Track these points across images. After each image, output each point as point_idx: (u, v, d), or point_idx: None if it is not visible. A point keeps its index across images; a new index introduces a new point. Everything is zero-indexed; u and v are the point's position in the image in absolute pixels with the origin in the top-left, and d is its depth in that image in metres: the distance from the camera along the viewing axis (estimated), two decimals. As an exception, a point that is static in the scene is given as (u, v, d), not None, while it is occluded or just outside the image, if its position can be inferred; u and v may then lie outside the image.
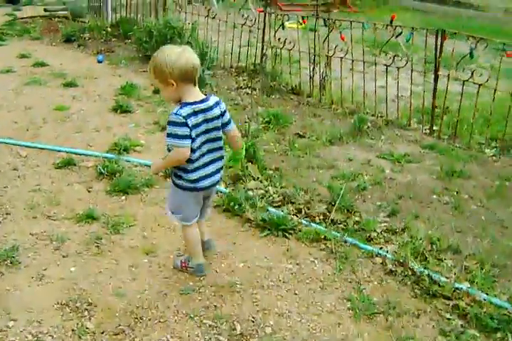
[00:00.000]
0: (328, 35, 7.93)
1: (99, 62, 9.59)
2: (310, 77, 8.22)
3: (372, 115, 7.52)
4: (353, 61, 7.70)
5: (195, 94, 3.68)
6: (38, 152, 6.08)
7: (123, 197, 5.21)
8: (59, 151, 6.09)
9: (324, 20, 7.95)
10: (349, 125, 7.19)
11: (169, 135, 3.61)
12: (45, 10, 13.99)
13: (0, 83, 8.30)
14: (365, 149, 6.58)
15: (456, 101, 7.17)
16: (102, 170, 5.53)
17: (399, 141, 6.86)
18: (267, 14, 8.70)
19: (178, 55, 3.53)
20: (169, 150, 3.75)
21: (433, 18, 15.85)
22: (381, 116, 7.50)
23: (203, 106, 3.66)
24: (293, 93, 8.40)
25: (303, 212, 5.10)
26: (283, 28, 8.41)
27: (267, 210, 5.05)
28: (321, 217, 5.04)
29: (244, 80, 8.77)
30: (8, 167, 5.71)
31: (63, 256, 4.35)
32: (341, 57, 7.79)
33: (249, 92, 8.25)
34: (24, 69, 9.05)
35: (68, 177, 5.55)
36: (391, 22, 7.25)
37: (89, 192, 5.31)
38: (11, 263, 4.22)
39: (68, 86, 8.25)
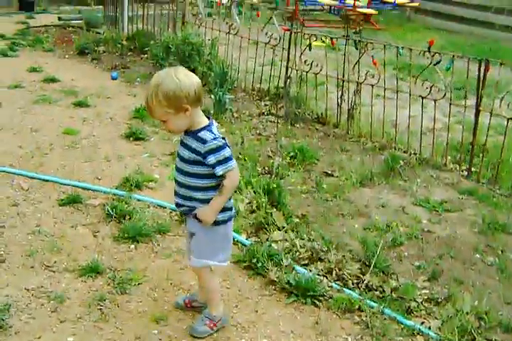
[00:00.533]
0: (359, 60, 7.31)
1: (114, 79, 9.04)
2: (338, 105, 7.62)
3: (405, 152, 6.94)
4: (385, 89, 7.09)
5: (204, 119, 3.41)
6: (41, 184, 5.54)
7: (132, 246, 4.67)
8: (65, 185, 5.47)
9: (355, 42, 7.34)
10: (380, 162, 6.62)
11: (221, 162, 3.32)
12: (60, 19, 13.47)
13: (8, 100, 7.74)
14: (399, 193, 5.99)
15: (494, 137, 6.62)
16: (111, 211, 4.97)
17: (434, 184, 6.28)
18: (292, 33, 8.07)
19: (187, 76, 3.27)
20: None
21: (458, 38, 15.25)
22: (414, 154, 6.91)
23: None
24: (318, 122, 7.82)
25: (334, 273, 4.51)
26: (310, 49, 7.81)
27: (294, 268, 4.47)
28: (355, 280, 4.48)
29: (266, 105, 8.21)
30: (7, 202, 5.17)
31: (61, 321, 3.81)
32: (372, 85, 7.18)
33: (272, 120, 7.66)
34: (34, 85, 8.51)
35: (73, 218, 5.01)
36: (429, 48, 6.65)
37: (94, 237, 4.77)
38: (-1, 327, 3.63)
39: (79, 106, 7.70)
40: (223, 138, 3.34)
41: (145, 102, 3.32)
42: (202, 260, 3.63)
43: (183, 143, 3.42)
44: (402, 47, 7.02)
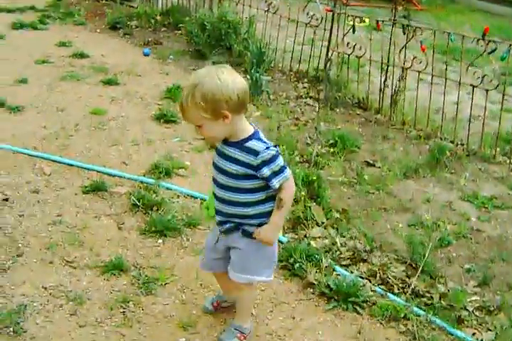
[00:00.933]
0: (406, 44, 6.85)
1: (146, 55, 8.65)
2: (380, 90, 7.18)
3: (451, 142, 6.48)
4: (432, 76, 6.63)
5: (248, 126, 3.01)
6: (64, 169, 5.21)
7: (159, 241, 4.32)
8: (89, 170, 5.12)
9: (403, 26, 6.87)
10: (425, 153, 6.20)
11: (276, 173, 2.96)
12: (93, -9, 12.98)
13: (34, 76, 7.38)
14: (445, 187, 5.57)
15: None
16: (137, 202, 4.61)
17: (483, 178, 5.84)
18: (335, 14, 7.62)
19: (231, 77, 2.86)
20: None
21: (503, 21, 14.60)
22: (461, 144, 6.46)
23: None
24: (359, 107, 7.39)
25: (377, 276, 4.11)
26: (353, 32, 7.35)
27: (334, 270, 4.09)
28: (400, 285, 4.08)
29: (304, 88, 7.79)
30: (27, 188, 4.84)
31: (80, 326, 3.49)
32: (419, 71, 6.73)
33: (311, 104, 7.24)
34: (62, 60, 8.13)
35: (96, 207, 4.66)
36: (483, 36, 6.17)
37: (119, 229, 4.42)
38: (13, 332, 3.37)
39: (108, 83, 7.33)
40: (275, 146, 2.97)
41: (179, 103, 2.93)
42: (246, 276, 3.25)
43: (224, 155, 3.03)
44: (454, 33, 6.51)
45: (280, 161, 2.94)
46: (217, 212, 3.16)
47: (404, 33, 6.91)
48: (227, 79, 2.81)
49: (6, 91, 6.75)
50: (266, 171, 2.90)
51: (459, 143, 6.50)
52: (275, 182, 2.94)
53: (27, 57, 8.08)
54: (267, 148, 2.90)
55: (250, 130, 2.97)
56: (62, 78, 7.39)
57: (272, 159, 2.91)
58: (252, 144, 2.92)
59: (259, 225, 3.10)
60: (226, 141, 2.98)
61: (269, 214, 3.07)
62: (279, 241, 4.33)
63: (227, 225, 3.14)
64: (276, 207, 3.04)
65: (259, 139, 2.94)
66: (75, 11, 10.78)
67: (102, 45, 9.12)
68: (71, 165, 5.24)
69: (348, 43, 7.42)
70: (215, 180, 3.10)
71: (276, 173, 2.93)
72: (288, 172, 2.98)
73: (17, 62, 7.88)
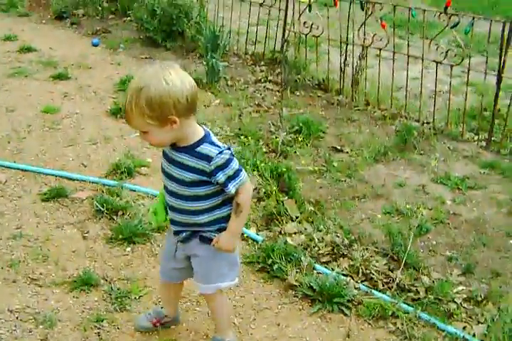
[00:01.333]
0: (365, 21, 6.64)
1: (95, 45, 8.31)
2: (341, 70, 6.98)
3: (417, 121, 6.31)
4: (394, 53, 6.44)
5: (198, 129, 2.74)
6: (20, 175, 4.91)
7: (128, 249, 4.10)
8: (46, 175, 4.85)
9: (361, 2, 6.64)
10: (391, 134, 6.06)
11: (231, 177, 2.73)
12: (33, -22, 12.50)
13: (-21, 74, 6.97)
14: (416, 169, 5.44)
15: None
16: (100, 207, 4.36)
17: (453, 158, 5.72)
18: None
19: (179, 77, 2.56)
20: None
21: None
22: (427, 123, 6.30)
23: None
24: (320, 89, 7.17)
25: (360, 272, 3.93)
26: (309, 10, 7.11)
27: (314, 268, 3.89)
28: (384, 280, 3.90)
29: (262, 71, 7.56)
30: (-18, 198, 4.52)
31: (52, 352, 3.19)
32: (380, 49, 6.54)
33: (271, 88, 7.02)
34: (8, 56, 7.73)
35: (58, 215, 4.41)
36: (445, 9, 5.99)
37: (84, 238, 4.18)
38: (-21, 364, 3.05)
39: (59, 78, 6.99)
40: (228, 148, 2.73)
41: (124, 107, 2.63)
42: (212, 285, 3.05)
43: (173, 161, 2.77)
44: (415, 8, 6.31)
45: (235, 165, 2.71)
46: (171, 221, 2.94)
47: (363, 9, 6.68)
48: (175, 80, 2.53)
49: (-51, 92, 6.39)
50: (221, 177, 2.69)
51: (425, 121, 6.34)
52: (231, 188, 2.72)
53: (-32, 55, 7.67)
54: (220, 152, 2.67)
55: (200, 133, 2.71)
56: (10, 75, 7.03)
57: (226, 163, 2.68)
58: (204, 149, 2.68)
59: (218, 230, 2.89)
60: (175, 146, 2.73)
61: (226, 218, 2.85)
62: (254, 240, 4.15)
63: (184, 234, 2.92)
64: (233, 212, 2.81)
65: (211, 143, 2.70)
66: (17, 2, 10.31)
67: (49, 37, 8.74)
68: (26, 170, 4.91)
69: (304, 22, 7.15)
70: (165, 187, 2.87)
71: (231, 178, 2.71)
72: (244, 175, 2.76)
73: (-42, 60, 7.48)
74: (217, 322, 3.29)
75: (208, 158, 2.66)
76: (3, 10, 9.98)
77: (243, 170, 2.78)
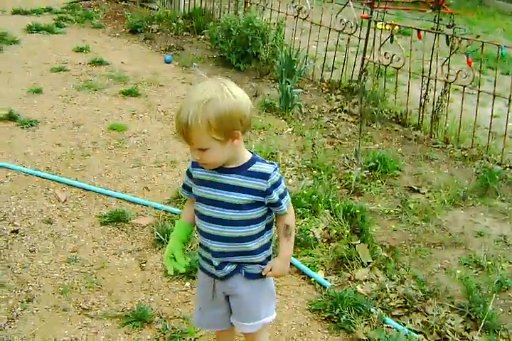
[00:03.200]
0: (449, 57, 6.31)
1: (167, 62, 8.15)
2: (420, 105, 6.65)
3: (499, 164, 5.91)
4: (479, 92, 6.09)
5: (245, 150, 2.60)
6: (81, 194, 4.71)
7: (187, 284, 3.84)
8: (108, 196, 4.63)
9: (447, 37, 6.33)
10: (471, 176, 5.69)
11: (283, 195, 2.58)
12: (112, -9, 12.49)
13: (49, 86, 6.91)
14: (498, 217, 5.08)
15: None
16: (161, 237, 4.11)
17: (538, 207, 5.28)
18: (371, 22, 7.12)
19: (241, 92, 2.43)
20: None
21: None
22: (510, 167, 5.90)
23: None
24: (397, 122, 6.85)
25: (433, 330, 3.59)
26: (391, 42, 6.82)
27: (384, 322, 3.56)
28: (459, 341, 3.54)
29: (337, 100, 7.26)
30: (40, 217, 4.37)
31: None
32: (464, 86, 6.19)
33: (346, 118, 6.73)
34: (79, 68, 7.64)
35: (116, 241, 4.19)
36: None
37: (141, 269, 3.93)
38: None
39: (128, 95, 6.83)
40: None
41: (179, 123, 2.37)
42: (258, 322, 2.79)
43: (218, 184, 2.53)
44: (505, 46, 5.98)
45: (283, 183, 2.57)
46: (216, 254, 2.63)
47: (448, 44, 6.37)
48: (239, 94, 2.39)
49: (19, 104, 6.29)
50: (275, 195, 2.52)
51: (509, 165, 5.95)
52: (284, 206, 2.57)
53: (42, 65, 7.62)
54: (275, 169, 2.53)
55: (248, 154, 2.56)
56: (79, 88, 6.90)
57: (279, 181, 2.54)
58: (260, 167, 2.52)
59: (262, 263, 2.67)
60: (220, 168, 2.51)
61: (268, 245, 2.67)
62: (321, 285, 3.86)
63: (228, 267, 2.64)
64: (283, 235, 2.63)
65: (263, 160, 2.56)
66: (93, 14, 10.29)
67: (122, 50, 8.64)
68: (88, 190, 4.71)
69: (385, 53, 6.87)
70: (205, 217, 2.59)
71: (282, 196, 2.55)
72: (288, 193, 2.60)
73: (32, 70, 7.42)
74: None
75: (265, 176, 2.50)
76: (78, 21, 9.90)
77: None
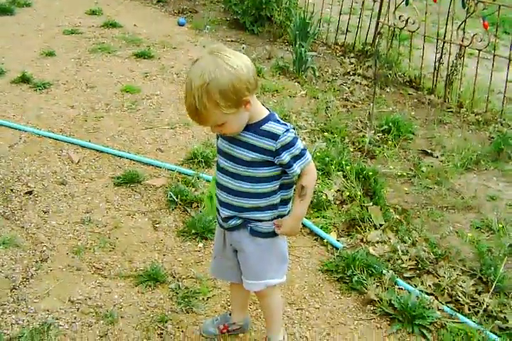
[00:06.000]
0: (465, 20, 6.24)
1: (181, 25, 8.12)
2: (434, 69, 6.59)
3: (513, 128, 5.88)
4: (494, 56, 6.03)
5: (262, 107, 2.61)
6: (94, 156, 4.73)
7: (200, 245, 3.86)
8: (121, 157, 4.64)
9: (463, 0, 6.25)
10: (485, 141, 5.65)
11: (297, 157, 2.56)
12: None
13: (62, 49, 6.90)
14: (510, 181, 5.08)
15: None
16: (174, 198, 4.13)
17: (551, 172, 5.26)
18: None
19: (237, 58, 2.40)
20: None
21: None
22: (524, 131, 5.86)
23: None
24: (411, 86, 6.80)
25: (445, 292, 3.61)
26: (406, 4, 6.75)
27: (396, 283, 3.58)
28: (470, 303, 3.56)
29: (351, 63, 7.22)
30: (53, 178, 4.40)
31: (112, 352, 2.97)
32: (479, 50, 6.13)
33: (359, 81, 6.69)
34: (92, 31, 7.61)
35: (129, 202, 4.21)
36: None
37: (155, 229, 3.95)
38: (34, 359, 2.86)
39: (141, 57, 6.82)
40: (293, 128, 2.58)
41: (189, 110, 2.43)
42: (262, 281, 2.83)
43: (234, 140, 2.58)
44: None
45: (300, 144, 2.56)
46: (224, 205, 2.71)
47: (464, 7, 6.29)
48: (237, 62, 2.37)
49: (32, 66, 6.30)
50: (285, 156, 2.52)
51: (522, 130, 5.92)
52: (296, 168, 2.55)
53: (55, 27, 7.60)
54: (287, 130, 2.52)
55: (265, 111, 2.58)
56: (92, 51, 6.88)
57: (292, 142, 2.53)
58: (270, 127, 2.53)
59: (270, 220, 2.70)
60: None
61: (278, 205, 2.68)
62: (333, 246, 3.88)
63: (233, 221, 2.71)
64: (297, 195, 2.62)
65: (277, 121, 2.56)
66: (103, -24, 10.15)
67: (135, 13, 8.60)
68: (102, 151, 4.73)
69: (399, 16, 6.79)
70: (222, 169, 2.67)
71: (296, 158, 2.55)
72: (309, 155, 2.59)
73: (44, 33, 7.41)
74: (270, 320, 3.06)
75: (274, 136, 2.51)
76: (89, -17, 9.82)
77: (307, 150, 2.61)
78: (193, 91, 2.36)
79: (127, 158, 4.71)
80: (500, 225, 4.36)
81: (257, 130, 2.54)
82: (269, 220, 2.71)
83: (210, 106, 2.36)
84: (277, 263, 2.85)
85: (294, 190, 2.71)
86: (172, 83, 6.23)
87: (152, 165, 4.66)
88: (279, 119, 2.60)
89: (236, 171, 2.61)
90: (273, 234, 2.74)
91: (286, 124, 2.57)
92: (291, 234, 2.82)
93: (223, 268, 2.97)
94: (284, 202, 2.71)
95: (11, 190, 4.22)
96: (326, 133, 5.34)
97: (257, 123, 2.54)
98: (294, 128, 2.58)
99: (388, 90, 6.65)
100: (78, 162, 4.60)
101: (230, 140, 2.60)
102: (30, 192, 4.18)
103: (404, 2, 6.76)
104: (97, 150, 4.79)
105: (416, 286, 3.68)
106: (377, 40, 7.09)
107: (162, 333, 3.16)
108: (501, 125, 5.98)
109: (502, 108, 6.14)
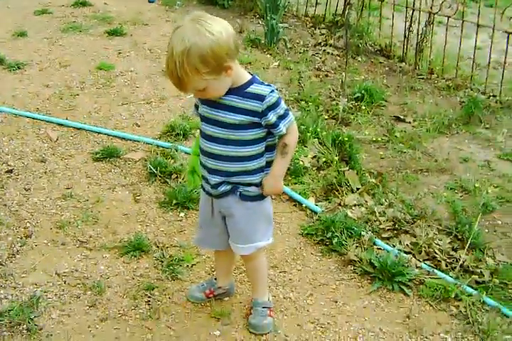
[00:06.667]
0: (433, -13, 6.31)
1: (151, 2, 8.11)
2: (405, 37, 6.67)
3: (482, 93, 5.99)
4: (463, 22, 6.12)
5: (243, 71, 2.68)
6: (72, 133, 4.79)
7: (181, 214, 3.94)
8: (99, 133, 4.69)
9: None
10: (456, 105, 5.75)
11: (281, 117, 2.64)
12: None
13: (33, 28, 6.90)
14: (482, 144, 5.16)
15: None
16: (154, 170, 4.20)
17: (520, 134, 5.37)
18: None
19: (217, 23, 2.46)
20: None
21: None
22: (493, 96, 5.96)
23: None
24: (382, 55, 6.89)
25: (422, 250, 3.72)
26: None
27: (374, 244, 3.69)
28: (447, 260, 3.69)
29: (322, 34, 7.28)
30: (33, 156, 4.45)
31: (101, 320, 3.12)
32: (448, 17, 6.20)
33: (331, 52, 6.76)
34: (62, 10, 7.60)
35: (109, 177, 4.28)
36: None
37: (136, 202, 4.03)
38: (27, 330, 3.00)
39: (113, 34, 6.83)
40: (276, 89, 2.64)
41: (171, 76, 2.48)
42: (252, 244, 2.91)
43: (218, 104, 2.63)
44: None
45: (283, 104, 2.63)
46: (212, 172, 2.75)
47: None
48: (217, 28, 2.42)
49: (4, 47, 6.31)
50: (272, 116, 2.60)
51: (491, 94, 6.01)
52: (282, 127, 2.63)
53: (24, 8, 7.57)
54: (272, 91, 2.59)
55: (247, 75, 2.64)
56: (64, 30, 6.90)
57: (277, 103, 2.60)
58: (255, 89, 2.59)
59: (257, 185, 2.78)
60: None
61: (264, 168, 2.76)
62: (312, 210, 3.97)
63: (223, 187, 2.76)
64: (279, 153, 2.71)
65: (261, 83, 2.62)
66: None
67: (104, -9, 8.52)
68: (79, 128, 4.77)
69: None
70: (207, 136, 2.71)
71: (281, 117, 2.62)
72: (292, 115, 2.68)
73: (14, 14, 7.40)
74: (257, 283, 3.16)
75: (260, 97, 2.58)
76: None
77: (290, 110, 2.69)
78: (173, 57, 2.41)
79: (105, 134, 4.75)
80: (474, 186, 4.44)
81: (241, 93, 2.60)
82: (257, 183, 2.78)
83: (190, 71, 2.42)
84: (265, 225, 2.93)
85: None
86: (146, 59, 6.26)
87: (130, 140, 4.70)
88: (262, 81, 2.66)
89: (222, 136, 2.67)
90: (261, 197, 2.82)
91: (270, 85, 2.64)
92: (275, 192, 2.85)
93: (211, 236, 3.03)
94: (270, 164, 2.78)
95: (-9, 169, 4.25)
96: (300, 103, 5.40)
97: (241, 87, 2.60)
98: (277, 89, 2.65)
99: (360, 59, 6.72)
100: (57, 140, 4.65)
101: (213, 105, 2.65)
102: (10, 171, 4.23)
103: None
104: (75, 128, 4.83)
105: (394, 246, 3.78)
106: (347, 11, 7.12)
107: (149, 300, 3.24)
108: (471, 90, 6.08)
109: (471, 73, 6.22)
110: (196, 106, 2.81)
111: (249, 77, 2.64)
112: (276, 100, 2.60)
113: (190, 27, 2.43)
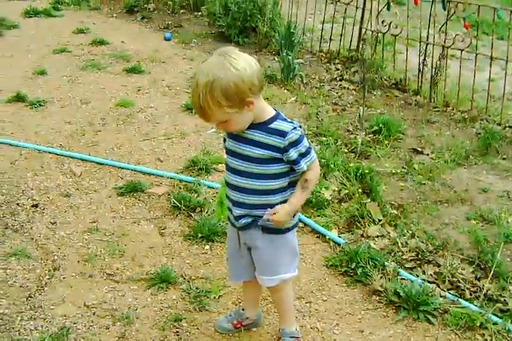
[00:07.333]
0: (446, 22, 6.41)
1: (167, 40, 8.26)
2: (419, 71, 6.76)
3: (498, 124, 6.04)
4: (476, 55, 6.19)
5: (268, 106, 2.74)
6: (95, 168, 4.85)
7: (207, 247, 3.97)
8: (123, 169, 4.76)
9: (443, 2, 6.42)
10: (472, 137, 5.79)
11: (303, 155, 2.69)
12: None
13: (53, 67, 7.03)
14: (499, 174, 5.21)
15: None
16: (178, 204, 4.25)
17: (539, 164, 5.41)
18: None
19: (243, 60, 2.53)
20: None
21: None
22: (509, 127, 6.02)
23: None
24: (397, 88, 6.96)
25: (446, 280, 3.74)
26: (388, 9, 6.92)
27: (398, 274, 3.71)
28: (471, 289, 3.70)
29: (337, 70, 7.38)
30: (58, 191, 4.50)
31: (131, 351, 3.08)
32: (461, 50, 6.29)
33: (346, 86, 6.86)
34: (81, 49, 7.76)
35: (134, 211, 4.32)
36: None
37: (161, 235, 4.07)
38: (58, 361, 2.96)
39: (132, 72, 6.95)
40: (300, 126, 2.69)
41: (195, 107, 2.59)
42: (276, 276, 2.95)
43: (243, 139, 2.69)
44: (502, 8, 6.07)
45: (305, 142, 2.68)
46: (236, 204, 2.80)
47: (445, 9, 6.46)
48: (242, 64, 2.49)
49: (26, 85, 6.43)
50: (293, 153, 2.64)
51: (507, 125, 6.07)
52: (303, 165, 2.68)
53: (44, 47, 7.73)
54: (295, 128, 2.64)
55: (272, 111, 2.70)
56: (83, 68, 7.02)
57: (299, 140, 2.65)
58: (278, 125, 2.65)
59: None
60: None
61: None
62: (335, 242, 4.00)
63: (244, 220, 2.81)
64: (300, 187, 2.75)
65: (284, 119, 2.68)
66: (88, -5, 10.32)
67: (121, 30, 8.74)
68: (102, 164, 4.85)
69: (382, 21, 6.97)
70: (232, 169, 2.77)
71: (303, 155, 2.67)
72: (314, 153, 2.73)
73: (34, 53, 7.54)
74: (284, 314, 3.18)
75: (282, 134, 2.62)
76: (74, 3, 9.99)
77: (312, 148, 2.73)
78: (197, 89, 2.50)
79: (128, 169, 4.81)
80: (494, 216, 4.47)
81: (265, 128, 2.66)
82: None
83: (213, 104, 2.50)
84: (290, 257, 2.97)
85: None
86: (165, 95, 6.35)
87: (153, 175, 4.75)
88: (286, 118, 2.72)
89: (246, 169, 2.72)
90: (284, 231, 2.86)
91: (293, 122, 2.70)
92: (284, 219, 2.77)
93: (239, 268, 3.08)
94: None
95: (17, 204, 4.32)
96: (319, 137, 5.46)
97: (265, 122, 2.67)
98: (300, 127, 2.71)
99: (375, 93, 6.79)
100: (80, 175, 4.71)
101: (238, 139, 2.72)
102: (36, 205, 4.29)
103: (385, 7, 6.90)
104: (98, 163, 4.88)
105: (418, 276, 3.80)
106: (361, 46, 7.23)
107: (178, 331, 3.27)
108: (487, 121, 6.14)
109: (486, 105, 6.28)
110: (224, 140, 2.87)
111: (274, 113, 2.70)
112: (298, 137, 2.65)
113: (216, 61, 2.52)
